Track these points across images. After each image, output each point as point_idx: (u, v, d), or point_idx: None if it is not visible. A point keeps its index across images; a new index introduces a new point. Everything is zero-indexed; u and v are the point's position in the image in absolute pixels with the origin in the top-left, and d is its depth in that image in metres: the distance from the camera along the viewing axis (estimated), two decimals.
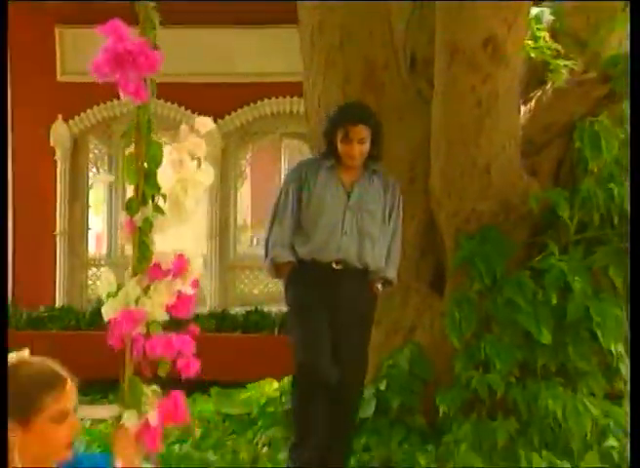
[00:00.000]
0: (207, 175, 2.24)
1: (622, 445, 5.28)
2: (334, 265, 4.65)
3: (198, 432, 5.82)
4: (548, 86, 5.45)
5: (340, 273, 4.65)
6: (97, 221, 10.35)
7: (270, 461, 5.25)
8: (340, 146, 4.66)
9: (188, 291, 2.20)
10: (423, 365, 5.39)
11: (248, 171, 10.77)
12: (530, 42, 5.33)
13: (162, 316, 2.18)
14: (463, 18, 5.05)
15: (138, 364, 2.19)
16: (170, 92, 7.15)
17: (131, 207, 2.18)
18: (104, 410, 4.81)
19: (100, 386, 6.71)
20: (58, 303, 9.25)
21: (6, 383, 2.13)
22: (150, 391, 2.19)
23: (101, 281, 2.21)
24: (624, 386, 5.43)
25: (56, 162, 9.50)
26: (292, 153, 12.82)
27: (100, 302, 2.30)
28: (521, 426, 5.13)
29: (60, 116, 9.44)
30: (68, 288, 9.23)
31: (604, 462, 5.11)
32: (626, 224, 5.28)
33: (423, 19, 5.46)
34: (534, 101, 5.48)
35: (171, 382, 2.27)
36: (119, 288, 2.19)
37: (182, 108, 8.82)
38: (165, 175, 2.21)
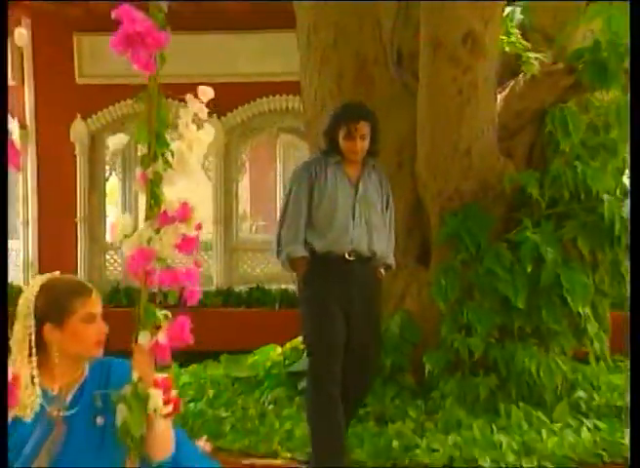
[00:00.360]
0: (208, 134, 2.31)
1: (589, 395, 5.35)
2: (347, 256, 4.47)
3: (211, 393, 5.85)
4: (521, 76, 5.44)
5: (352, 263, 4.48)
6: (110, 209, 10.32)
7: (276, 417, 5.27)
8: (342, 143, 4.50)
9: (192, 233, 2.28)
10: (412, 329, 5.40)
11: (247, 164, 10.75)
12: (504, 37, 5.33)
13: (170, 254, 2.26)
14: (445, 15, 5.03)
15: (152, 294, 2.30)
16: (179, 91, 7.13)
17: (143, 162, 2.26)
18: None
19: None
20: None
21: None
22: (162, 315, 2.29)
23: (120, 225, 2.27)
24: (591, 345, 5.48)
25: (75, 156, 9.44)
26: (287, 149, 12.81)
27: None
28: (500, 382, 5.16)
29: (78, 115, 9.36)
30: (88, 269, 9.17)
31: (573, 411, 5.16)
32: (592, 200, 5.33)
33: (409, 18, 5.44)
34: (508, 91, 5.45)
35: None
36: (134, 231, 2.28)
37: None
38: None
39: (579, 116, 5.29)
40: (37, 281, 2.47)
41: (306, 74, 5.61)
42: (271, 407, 5.45)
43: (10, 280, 2.37)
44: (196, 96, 2.30)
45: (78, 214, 9.29)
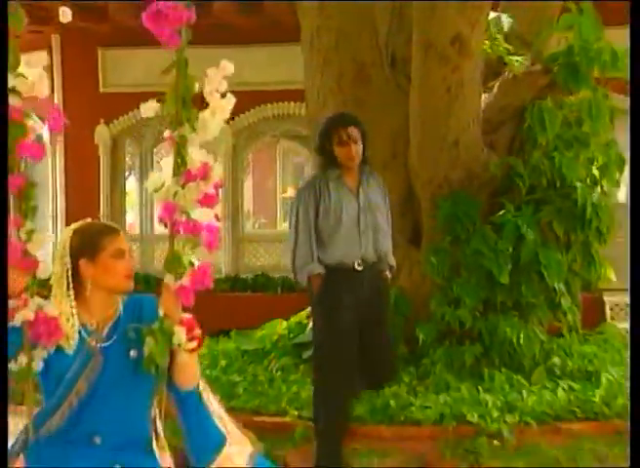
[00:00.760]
0: (229, 103, 2.33)
1: (563, 362, 5.34)
2: (356, 266, 4.37)
3: (223, 362, 5.82)
4: (503, 76, 5.44)
5: (362, 272, 4.39)
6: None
7: (283, 381, 5.25)
8: (337, 151, 4.37)
9: (211, 191, 2.32)
10: (405, 303, 5.38)
11: (251, 166, 10.75)
12: (487, 42, 5.34)
13: (193, 207, 2.30)
14: (436, 19, 5.03)
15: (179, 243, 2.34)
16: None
17: (171, 126, 2.30)
18: None
19: None
20: None
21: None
22: (186, 261, 2.32)
23: (150, 180, 2.34)
24: (564, 317, 5.48)
25: (99, 157, 9.48)
26: (286, 154, 12.79)
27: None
28: (484, 350, 5.16)
29: (102, 120, 9.43)
30: None
31: (549, 375, 5.15)
32: (566, 187, 5.33)
33: (401, 25, 5.44)
34: (495, 89, 5.47)
35: None
36: (162, 185, 2.33)
37: None
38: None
39: (554, 112, 5.29)
40: (71, 226, 2.53)
41: (310, 74, 5.60)
42: (279, 373, 5.42)
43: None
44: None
45: (101, 211, 9.30)
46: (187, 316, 2.39)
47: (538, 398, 4.77)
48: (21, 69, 2.30)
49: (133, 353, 2.43)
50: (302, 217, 4.40)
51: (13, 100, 2.31)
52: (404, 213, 5.55)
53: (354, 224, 4.38)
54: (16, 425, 6.23)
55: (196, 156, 2.32)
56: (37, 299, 2.31)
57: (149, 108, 2.33)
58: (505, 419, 4.52)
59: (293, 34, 5.84)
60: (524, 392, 4.85)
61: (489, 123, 5.40)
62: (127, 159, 9.66)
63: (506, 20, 5.54)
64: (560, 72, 5.31)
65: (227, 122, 9.48)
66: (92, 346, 2.45)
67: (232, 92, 2.36)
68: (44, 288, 2.41)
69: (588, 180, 5.39)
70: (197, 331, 2.38)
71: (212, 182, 2.31)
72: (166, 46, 2.26)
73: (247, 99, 9.16)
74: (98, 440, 2.42)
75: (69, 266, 2.44)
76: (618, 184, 5.71)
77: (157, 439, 2.53)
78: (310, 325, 5.97)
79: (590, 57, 5.31)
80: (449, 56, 5.03)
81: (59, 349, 2.37)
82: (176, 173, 2.30)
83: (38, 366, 2.34)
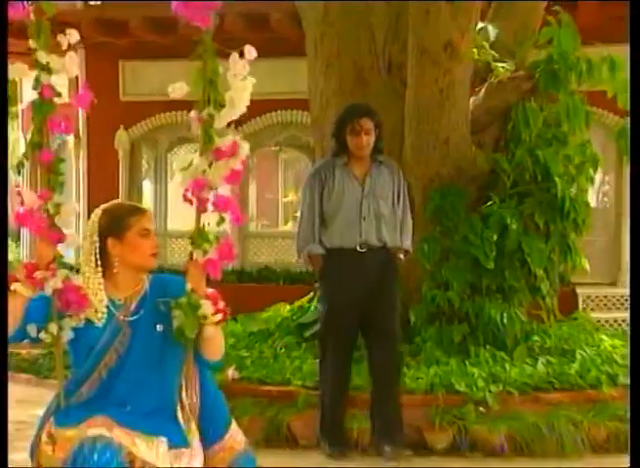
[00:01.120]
0: (250, 84, 2.29)
1: (542, 340, 5.35)
2: (358, 249, 4.21)
3: (231, 341, 5.80)
4: (489, 81, 5.48)
5: (364, 254, 4.22)
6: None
7: (287, 357, 5.25)
8: (349, 140, 4.22)
9: (238, 167, 2.26)
10: (398, 287, 5.38)
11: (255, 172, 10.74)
12: (475, 49, 5.37)
13: (220, 184, 2.25)
14: (429, 27, 5.06)
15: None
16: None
17: (198, 106, 2.24)
18: None
19: None
20: None
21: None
22: (212, 236, 2.28)
23: (177, 160, 2.28)
24: (543, 301, 5.49)
25: (118, 160, 9.49)
26: (288, 162, 12.76)
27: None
28: (471, 329, 5.17)
29: (121, 126, 9.42)
30: None
31: (529, 352, 5.16)
32: (547, 181, 5.35)
33: (397, 35, 5.45)
34: (482, 92, 5.50)
35: None
36: (190, 164, 2.28)
37: None
38: None
39: (537, 112, 5.32)
40: (101, 207, 2.47)
41: (313, 78, 5.61)
42: (283, 350, 5.42)
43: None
44: (241, 55, 2.29)
45: None
46: (211, 291, 2.33)
47: (519, 370, 4.80)
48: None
49: (159, 327, 2.37)
50: (308, 200, 4.32)
51: (45, 78, 2.29)
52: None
53: (356, 210, 4.24)
54: (40, 395, 6.14)
55: (226, 133, 2.25)
56: (64, 270, 2.28)
57: (178, 89, 2.26)
58: (490, 389, 4.54)
59: (294, 48, 5.85)
60: (507, 366, 4.87)
61: (476, 123, 5.41)
62: (143, 162, 9.64)
63: (492, 31, 5.57)
64: (541, 78, 5.36)
65: (236, 127, 9.64)
66: (120, 320, 2.39)
67: None
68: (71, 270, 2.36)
69: (566, 177, 5.40)
70: (222, 305, 2.32)
71: (240, 159, 2.25)
72: (197, 24, 2.23)
73: (254, 107, 9.24)
74: (127, 408, 2.36)
75: (97, 245, 2.38)
76: (592, 182, 5.74)
77: (182, 409, 2.45)
78: (312, 307, 6.00)
79: (568, 65, 5.37)
80: (441, 60, 5.06)
81: (88, 322, 2.34)
82: (203, 151, 2.24)
83: (68, 335, 2.31)
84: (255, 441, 4.48)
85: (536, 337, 5.30)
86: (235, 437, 2.54)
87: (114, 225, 2.39)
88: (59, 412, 2.36)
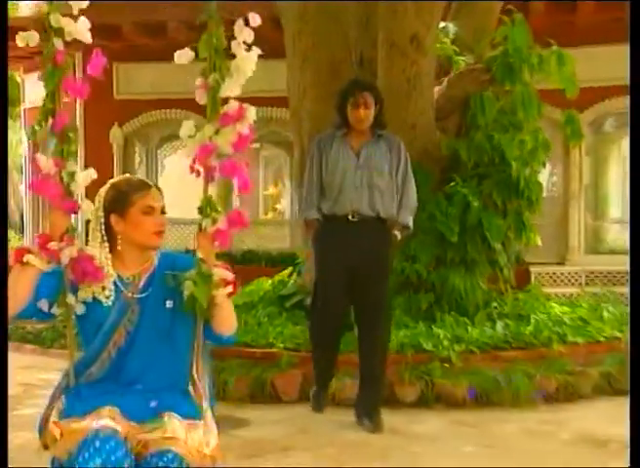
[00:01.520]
0: (255, 53, 2.10)
1: (500, 307, 5.37)
2: (350, 217, 3.93)
3: None
4: (451, 73, 5.48)
5: (356, 223, 3.93)
6: None
7: (270, 324, 5.22)
8: (350, 113, 3.94)
9: (245, 131, 2.03)
10: None
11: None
12: (439, 45, 5.37)
13: (228, 150, 2.02)
14: (397, 22, 5.05)
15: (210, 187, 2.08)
16: (190, 105, 7.13)
17: (205, 73, 2.07)
18: None
19: None
20: None
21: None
22: (220, 206, 2.04)
23: (183, 127, 2.07)
24: (501, 272, 5.50)
25: (113, 154, 9.41)
26: (268, 159, 12.68)
27: None
28: (436, 298, 5.18)
29: (116, 123, 9.34)
30: None
31: (489, 318, 5.18)
32: (503, 163, 5.36)
33: (368, 31, 5.41)
34: (444, 83, 5.50)
35: None
36: (196, 132, 2.08)
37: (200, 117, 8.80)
38: None
39: (493, 101, 5.33)
40: (111, 181, 2.21)
41: (292, 71, 5.56)
42: (265, 319, 5.38)
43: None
44: (247, 23, 2.09)
45: None
46: (221, 263, 2.09)
47: (480, 332, 4.82)
48: None
49: (169, 303, 2.13)
50: (309, 169, 4.09)
51: (57, 43, 2.11)
52: None
53: (350, 180, 3.97)
54: (44, 362, 6.07)
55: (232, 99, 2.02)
56: (78, 242, 2.06)
57: (183, 55, 2.05)
58: (454, 348, 4.56)
59: (273, 51, 5.79)
60: (469, 328, 4.88)
61: (440, 111, 5.40)
62: (135, 156, 9.55)
63: (453, 29, 5.58)
64: (498, 70, 5.38)
65: None
66: (128, 297, 2.15)
67: (225, 99, 2.15)
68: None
69: (521, 160, 5.42)
70: (231, 276, 2.09)
71: (247, 123, 2.03)
72: None
73: None
74: (138, 387, 2.12)
75: (103, 220, 2.13)
76: (544, 165, 5.77)
77: (194, 386, 2.17)
78: (292, 281, 5.98)
79: (522, 59, 5.38)
80: (408, 52, 5.05)
81: (96, 300, 2.11)
82: (210, 118, 2.03)
83: (80, 308, 2.09)
84: (242, 397, 4.50)
85: (494, 304, 5.32)
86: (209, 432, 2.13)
87: (118, 201, 2.14)
88: (69, 394, 2.12)
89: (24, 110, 11.14)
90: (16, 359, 6.00)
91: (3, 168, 2.06)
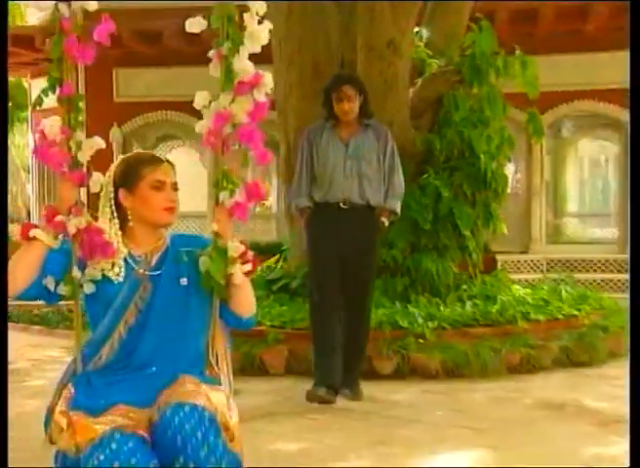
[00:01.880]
0: (267, 25, 1.92)
1: (470, 289, 5.37)
2: (341, 205, 3.80)
3: None
4: (425, 74, 5.48)
5: (347, 211, 3.81)
6: None
7: (258, 306, 5.14)
8: (335, 107, 3.83)
9: (262, 98, 1.84)
10: None
11: None
12: (413, 49, 5.36)
13: (244, 118, 1.82)
14: (375, 28, 5.03)
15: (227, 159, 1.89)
16: (184, 108, 7.10)
17: (218, 42, 1.88)
18: None
19: None
20: None
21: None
22: (236, 179, 1.85)
23: (197, 97, 1.87)
24: (470, 257, 5.49)
25: (112, 153, 9.30)
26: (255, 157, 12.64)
27: None
28: (411, 281, 5.17)
29: (115, 123, 9.27)
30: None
31: (459, 299, 5.19)
32: (473, 157, 5.36)
33: (348, 35, 5.36)
34: (418, 84, 5.49)
35: None
36: (211, 101, 1.85)
37: (195, 119, 8.77)
38: None
39: (465, 100, 5.34)
40: (120, 156, 2.01)
41: (278, 72, 5.50)
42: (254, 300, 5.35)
43: None
44: None
45: None
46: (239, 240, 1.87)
47: (451, 311, 4.83)
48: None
49: (183, 281, 1.87)
50: (299, 159, 3.97)
51: (63, 8, 1.89)
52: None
53: (340, 169, 3.84)
54: (50, 341, 6.05)
55: (247, 66, 1.84)
56: (87, 214, 1.85)
57: (195, 23, 1.86)
58: (428, 325, 4.56)
59: (262, 54, 5.76)
60: (441, 308, 4.89)
61: (415, 109, 5.39)
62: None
63: (426, 34, 5.57)
64: (467, 72, 5.39)
65: None
66: (140, 274, 1.89)
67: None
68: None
69: (488, 154, 5.43)
70: (250, 254, 1.87)
71: (263, 90, 1.84)
72: None
73: None
74: (152, 369, 1.85)
75: (112, 196, 1.90)
76: (509, 159, 5.79)
77: (211, 369, 1.91)
78: (278, 266, 5.95)
79: (488, 62, 5.40)
80: (385, 55, 5.03)
81: (105, 277, 1.86)
82: (224, 87, 1.83)
83: (89, 287, 1.84)
84: (233, 371, 4.45)
85: (464, 286, 5.33)
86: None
87: (127, 175, 1.91)
88: (77, 382, 1.85)
89: (31, 114, 11.03)
90: (24, 338, 5.98)
91: (3, 168, 1.88)
